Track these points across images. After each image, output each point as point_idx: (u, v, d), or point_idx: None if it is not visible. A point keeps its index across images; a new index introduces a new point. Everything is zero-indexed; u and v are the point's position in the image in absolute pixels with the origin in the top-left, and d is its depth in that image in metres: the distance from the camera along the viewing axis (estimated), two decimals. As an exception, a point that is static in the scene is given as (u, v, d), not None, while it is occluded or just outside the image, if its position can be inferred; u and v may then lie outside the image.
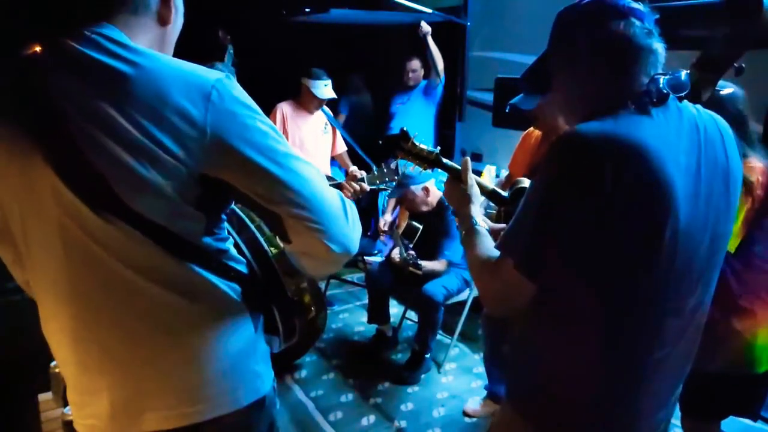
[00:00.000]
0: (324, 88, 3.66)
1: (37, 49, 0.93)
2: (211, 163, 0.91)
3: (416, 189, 3.29)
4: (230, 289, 1.01)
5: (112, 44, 0.89)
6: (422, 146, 1.59)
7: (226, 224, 1.05)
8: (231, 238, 1.05)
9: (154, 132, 0.87)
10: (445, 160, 1.57)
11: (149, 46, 0.96)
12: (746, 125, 1.66)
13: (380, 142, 1.61)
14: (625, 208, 0.94)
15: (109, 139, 0.86)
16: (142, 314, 0.95)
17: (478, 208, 1.35)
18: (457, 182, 1.41)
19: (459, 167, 1.50)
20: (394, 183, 2.08)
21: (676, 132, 1.00)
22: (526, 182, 1.82)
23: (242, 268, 1.04)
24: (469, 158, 1.47)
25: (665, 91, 1.00)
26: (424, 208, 3.35)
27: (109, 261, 0.92)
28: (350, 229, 0.99)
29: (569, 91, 1.11)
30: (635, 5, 1.02)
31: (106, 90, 0.87)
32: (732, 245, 1.60)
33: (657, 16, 1.03)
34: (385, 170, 1.98)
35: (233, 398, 1.02)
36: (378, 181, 1.98)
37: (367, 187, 1.75)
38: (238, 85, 0.95)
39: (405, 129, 1.58)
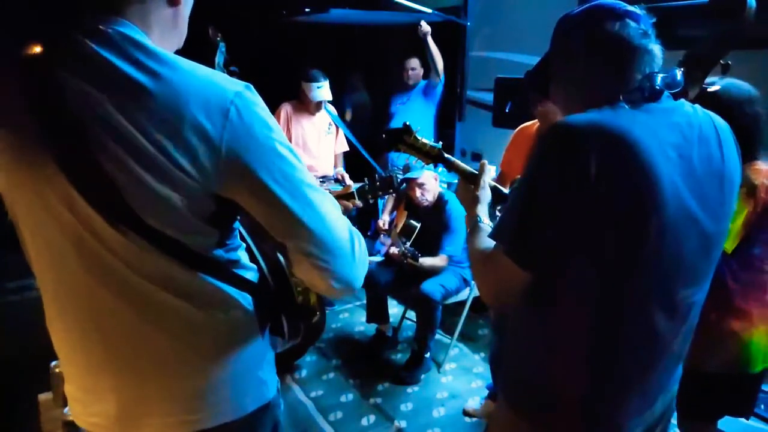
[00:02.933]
0: (318, 90, 3.64)
1: (49, 46, 0.89)
2: (224, 183, 0.88)
3: (430, 174, 3.29)
4: (241, 298, 1.00)
5: (132, 47, 0.86)
6: (424, 141, 1.61)
7: (239, 230, 1.04)
8: (243, 245, 1.04)
9: (169, 149, 0.84)
10: (447, 156, 1.59)
11: (163, 30, 0.94)
12: (760, 127, 1.64)
13: (383, 135, 1.63)
14: (609, 196, 0.94)
15: (124, 152, 0.84)
16: (152, 321, 0.94)
17: (485, 207, 1.40)
18: (468, 184, 1.46)
19: (460, 163, 1.54)
20: (388, 196, 2.01)
21: (667, 127, 1.01)
22: None
23: (253, 276, 1.03)
24: (486, 162, 1.51)
25: (659, 88, 1.02)
26: (430, 198, 3.33)
27: (122, 269, 0.91)
28: (356, 267, 0.98)
29: (567, 90, 1.14)
30: (631, 8, 1.05)
31: (124, 101, 0.84)
32: (729, 246, 1.60)
33: (654, 20, 1.06)
34: (378, 183, 1.83)
35: (238, 406, 1.02)
36: (371, 196, 1.83)
37: (358, 203, 1.66)
38: (260, 98, 0.92)
39: (408, 123, 1.61)
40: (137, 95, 0.84)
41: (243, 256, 1.03)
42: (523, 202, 1.01)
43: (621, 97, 1.01)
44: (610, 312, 1.03)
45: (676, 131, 1.02)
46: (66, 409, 1.69)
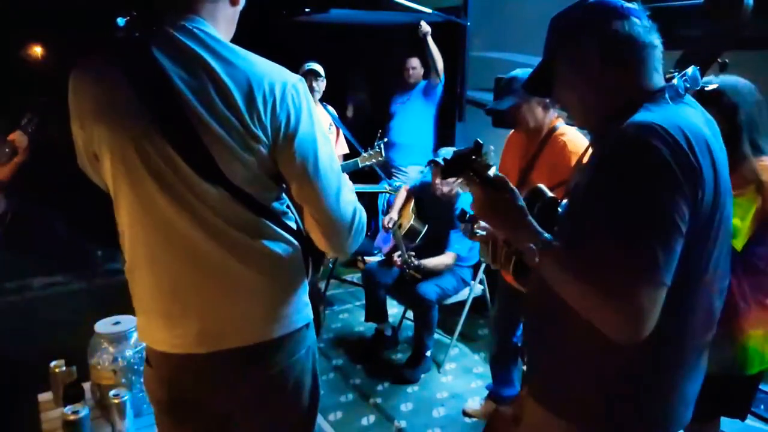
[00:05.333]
0: (308, 68, 3.79)
1: (147, 36, 1.10)
2: (277, 150, 1.12)
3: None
4: (292, 239, 1.24)
5: (210, 39, 1.09)
6: (486, 162, 1.22)
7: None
8: (287, 200, 1.27)
9: (248, 121, 1.07)
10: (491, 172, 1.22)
11: (227, 26, 1.18)
12: (764, 115, 1.65)
13: (449, 160, 1.23)
14: (704, 183, 0.97)
15: (215, 123, 1.07)
16: (234, 255, 1.17)
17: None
18: (494, 191, 1.14)
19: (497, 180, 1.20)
20: (397, 193, 2.39)
21: (700, 121, 1.05)
22: (545, 191, 1.34)
23: (294, 226, 1.26)
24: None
25: (688, 85, 1.07)
26: (446, 189, 3.26)
27: (209, 215, 1.14)
28: (350, 240, 1.23)
29: (583, 93, 1.12)
30: (631, 5, 1.07)
31: (210, 84, 1.06)
32: (739, 244, 1.59)
33: (649, 12, 1.08)
34: (371, 152, 2.46)
35: (294, 321, 1.28)
36: (367, 162, 2.44)
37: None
38: (307, 87, 1.16)
39: (480, 141, 1.22)
40: (218, 78, 1.06)
41: (288, 210, 1.27)
42: (659, 219, 0.94)
43: (666, 94, 1.04)
44: (683, 300, 1.04)
45: (706, 124, 1.06)
46: (66, 409, 1.69)
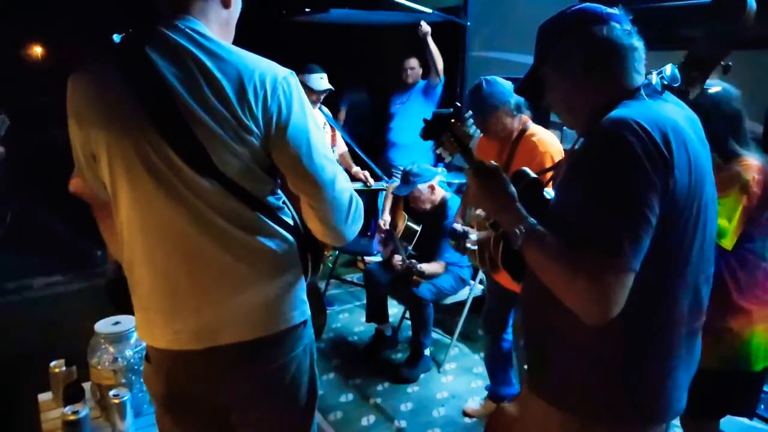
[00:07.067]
0: (320, 81, 3.65)
1: (141, 36, 1.13)
2: (270, 142, 1.14)
3: (423, 187, 3.29)
4: (288, 235, 1.25)
5: (201, 37, 1.12)
6: (466, 129, 1.34)
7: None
8: (283, 197, 1.29)
9: (239, 114, 1.10)
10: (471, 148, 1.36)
11: (220, 27, 1.19)
12: (742, 124, 1.68)
13: (429, 118, 1.35)
14: (677, 173, 1.01)
15: (207, 117, 1.09)
16: (228, 251, 1.18)
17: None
18: (486, 178, 1.20)
19: (483, 161, 1.28)
20: (386, 195, 2.23)
21: (680, 116, 1.09)
22: (528, 173, 1.37)
23: (290, 221, 1.27)
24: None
25: (665, 83, 1.11)
26: (428, 206, 3.34)
27: (205, 211, 1.15)
28: (348, 226, 1.25)
29: (569, 95, 1.19)
30: (611, 10, 1.13)
31: (201, 79, 1.09)
32: (729, 243, 1.61)
33: (631, 17, 1.14)
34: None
35: (290, 317, 1.28)
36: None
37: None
38: (298, 80, 1.18)
39: (459, 105, 1.38)
40: (209, 72, 1.09)
41: (284, 206, 1.28)
42: (626, 207, 0.99)
43: (641, 92, 1.10)
44: (668, 288, 1.09)
45: (686, 119, 1.10)
46: (66, 409, 1.69)
